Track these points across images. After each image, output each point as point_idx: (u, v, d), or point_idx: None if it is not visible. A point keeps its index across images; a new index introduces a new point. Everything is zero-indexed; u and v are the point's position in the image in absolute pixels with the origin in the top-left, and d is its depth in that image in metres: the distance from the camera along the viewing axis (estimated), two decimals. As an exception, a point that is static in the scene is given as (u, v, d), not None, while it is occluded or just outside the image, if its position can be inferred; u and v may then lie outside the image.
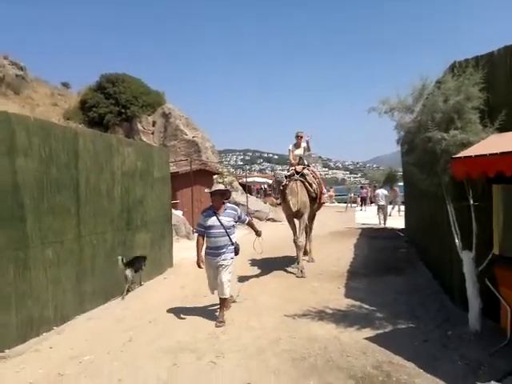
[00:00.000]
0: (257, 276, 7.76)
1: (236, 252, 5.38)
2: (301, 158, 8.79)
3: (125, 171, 6.82)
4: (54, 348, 4.53)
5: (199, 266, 5.25)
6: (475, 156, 3.35)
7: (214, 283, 5.32)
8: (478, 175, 3.42)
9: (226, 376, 3.76)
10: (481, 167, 3.30)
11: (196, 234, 5.53)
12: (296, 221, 8.37)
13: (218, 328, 5.00)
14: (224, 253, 5.22)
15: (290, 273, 7.98)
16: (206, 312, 5.66)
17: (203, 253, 5.33)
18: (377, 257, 9.13)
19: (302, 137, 8.84)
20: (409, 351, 4.03)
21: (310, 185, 8.29)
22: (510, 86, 4.23)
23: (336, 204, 33.57)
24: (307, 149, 8.88)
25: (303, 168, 8.52)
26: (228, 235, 5.25)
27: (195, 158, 19.49)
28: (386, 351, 4.07)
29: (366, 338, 4.44)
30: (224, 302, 5.33)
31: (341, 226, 15.65)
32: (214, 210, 5.31)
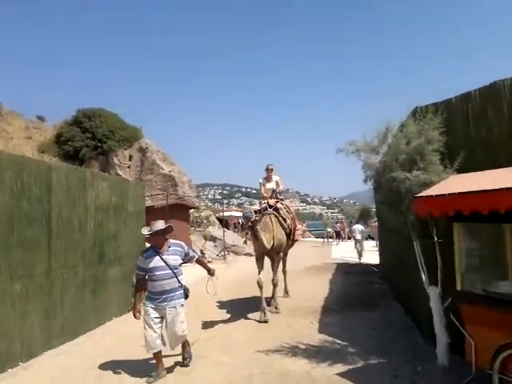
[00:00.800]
0: (231, 311, 7.70)
1: (186, 295, 4.75)
2: (273, 191, 8.25)
3: (98, 205, 6.82)
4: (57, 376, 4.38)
5: (135, 317, 4.59)
6: (436, 195, 3.55)
7: (156, 336, 4.50)
8: (439, 213, 3.61)
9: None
10: (441, 206, 3.50)
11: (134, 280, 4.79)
12: (267, 259, 7.68)
13: (186, 365, 4.91)
14: (173, 298, 4.54)
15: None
16: (178, 348, 5.57)
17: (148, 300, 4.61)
18: (351, 292, 9.22)
19: (272, 169, 8.36)
20: (378, 387, 4.07)
21: (284, 220, 7.74)
22: (467, 130, 4.55)
23: (313, 239, 33.82)
24: (279, 183, 8.38)
25: (276, 201, 7.97)
26: (176, 276, 4.58)
27: (171, 192, 19.50)
28: (357, 387, 4.10)
29: (338, 374, 4.45)
30: (185, 343, 4.92)
31: (317, 261, 15.74)
32: (156, 250, 4.63)
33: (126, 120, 23.64)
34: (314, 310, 7.63)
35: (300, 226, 8.62)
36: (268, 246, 7.08)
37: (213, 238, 18.29)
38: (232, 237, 21.63)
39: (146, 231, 4.67)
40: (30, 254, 5.24)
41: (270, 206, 7.73)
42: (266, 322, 6.75)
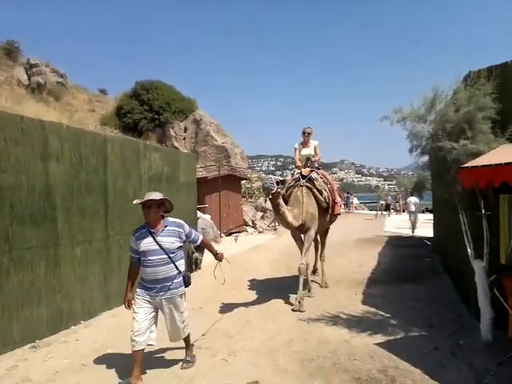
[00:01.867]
0: (275, 279, 7.90)
1: (186, 284, 3.94)
2: (309, 158, 7.20)
3: (151, 175, 7.15)
4: (80, 340, 4.86)
5: (127, 307, 3.86)
6: (481, 166, 3.40)
7: (143, 330, 3.71)
8: (484, 185, 3.46)
9: (236, 373, 3.93)
10: (487, 177, 3.35)
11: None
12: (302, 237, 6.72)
13: (232, 328, 5.16)
14: (169, 288, 3.80)
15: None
16: (227, 309, 5.85)
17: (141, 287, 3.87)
18: (400, 265, 9.07)
19: (309, 133, 7.22)
20: (417, 358, 4.08)
21: (320, 192, 6.67)
22: (523, 97, 4.23)
23: (365, 211, 33.24)
24: (317, 150, 7.29)
25: (311, 171, 6.88)
26: (173, 262, 3.81)
27: (224, 163, 19.87)
28: (394, 357, 4.13)
29: (376, 344, 4.51)
30: (187, 341, 4.19)
31: (368, 234, 15.50)
32: (148, 229, 3.83)
33: (181, 92, 24.13)
34: (359, 281, 7.63)
35: (339, 199, 7.36)
36: (295, 223, 6.16)
37: (264, 209, 18.50)
38: (283, 208, 21.75)
39: (136, 201, 3.90)
40: (89, 221, 5.66)
41: (304, 177, 6.75)
42: (300, 311, 5.82)
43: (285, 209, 6.00)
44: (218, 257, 4.39)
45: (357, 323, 5.25)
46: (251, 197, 20.77)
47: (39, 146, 4.98)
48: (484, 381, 3.52)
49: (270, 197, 5.65)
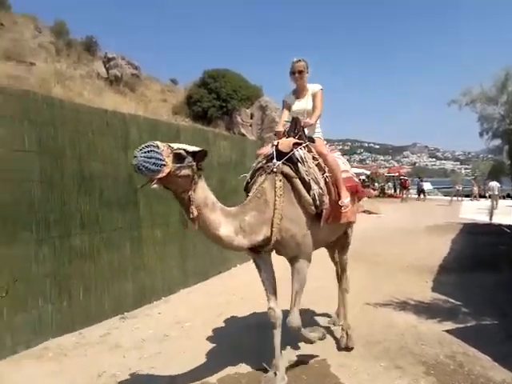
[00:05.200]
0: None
1: None
2: (295, 121, 3.81)
3: (220, 162, 7.51)
4: (161, 314, 5.36)
5: None
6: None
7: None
8: None
9: (301, 351, 4.12)
10: None
11: None
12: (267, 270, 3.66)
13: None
14: None
15: (377, 262, 8.01)
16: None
17: None
18: (473, 252, 8.74)
19: (302, 71, 3.95)
20: (487, 345, 4.02)
21: (307, 185, 3.43)
22: None
23: (440, 197, 31.71)
24: (317, 103, 3.97)
25: (295, 144, 3.59)
26: None
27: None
28: (463, 343, 4.11)
29: (445, 330, 4.49)
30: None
31: (441, 220, 14.92)
32: None
33: (248, 79, 24.47)
34: (429, 268, 7.47)
35: (346, 200, 3.80)
36: (240, 241, 3.21)
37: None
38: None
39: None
40: (166, 205, 6.11)
41: (281, 154, 3.51)
42: (311, 342, 3.91)
43: (209, 213, 3.05)
44: None
45: (425, 310, 5.22)
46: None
47: (121, 137, 5.48)
48: (560, 372, 3.41)
49: (155, 185, 2.70)
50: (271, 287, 3.62)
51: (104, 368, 3.81)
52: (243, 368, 3.74)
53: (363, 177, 31.17)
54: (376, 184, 31.89)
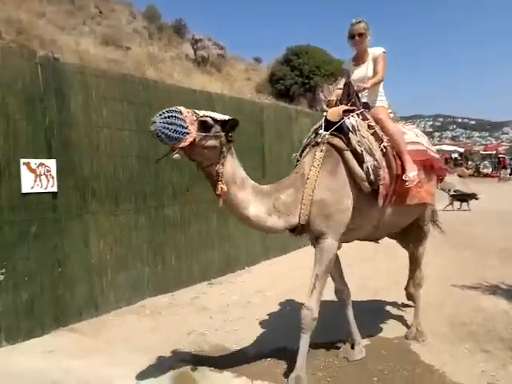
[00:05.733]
0: (454, 258, 7.57)
1: None
2: (347, 85, 3.38)
3: (302, 140, 7.55)
4: (244, 282, 5.71)
5: None
6: None
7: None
8: None
9: (385, 329, 4.12)
10: None
11: None
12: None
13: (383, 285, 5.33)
14: None
15: (468, 244, 7.60)
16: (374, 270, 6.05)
17: None
18: None
19: (362, 34, 3.47)
20: None
21: (359, 157, 3.01)
22: None
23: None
24: (379, 68, 3.47)
25: (346, 112, 3.18)
26: None
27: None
28: (561, 331, 3.84)
29: (540, 317, 4.21)
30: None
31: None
32: None
33: (332, 54, 23.89)
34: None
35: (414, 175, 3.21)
36: (269, 222, 2.96)
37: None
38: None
39: None
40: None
41: (330, 124, 3.16)
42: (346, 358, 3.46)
43: (237, 190, 2.83)
44: None
45: (518, 295, 4.91)
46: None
47: (208, 115, 5.80)
48: None
49: (176, 155, 2.48)
50: (337, 270, 3.58)
51: (193, 327, 4.19)
52: (319, 339, 3.68)
53: (456, 155, 29.16)
54: (470, 162, 29.62)
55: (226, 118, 2.64)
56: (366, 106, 3.45)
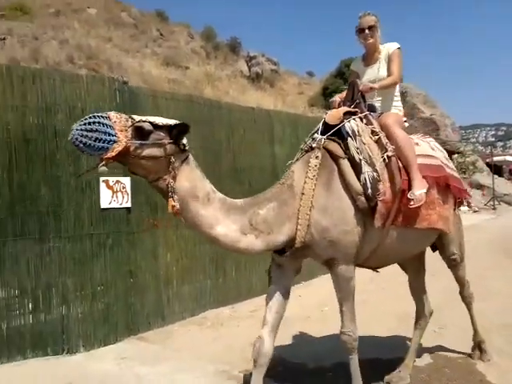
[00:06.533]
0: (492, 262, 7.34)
1: None
2: (352, 84, 2.98)
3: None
4: (302, 296, 5.74)
5: None
6: None
7: None
8: None
9: (446, 344, 4.04)
10: None
11: None
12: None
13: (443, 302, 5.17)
14: None
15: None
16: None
17: None
18: None
19: (372, 27, 3.06)
20: None
21: (356, 167, 2.54)
22: None
23: None
24: (394, 66, 3.05)
25: (347, 114, 2.76)
26: None
27: (433, 136, 18.75)
28: None
29: None
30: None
31: None
32: None
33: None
34: None
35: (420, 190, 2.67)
36: (237, 243, 2.47)
37: (480, 186, 16.77)
38: (504, 185, 19.27)
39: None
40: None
41: (327, 127, 2.74)
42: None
43: (199, 207, 2.39)
44: None
45: None
46: (464, 172, 19.08)
47: (267, 132, 5.98)
48: None
49: (102, 168, 2.10)
50: (274, 307, 2.75)
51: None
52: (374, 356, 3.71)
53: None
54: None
55: (172, 122, 2.23)
56: (373, 109, 2.99)
